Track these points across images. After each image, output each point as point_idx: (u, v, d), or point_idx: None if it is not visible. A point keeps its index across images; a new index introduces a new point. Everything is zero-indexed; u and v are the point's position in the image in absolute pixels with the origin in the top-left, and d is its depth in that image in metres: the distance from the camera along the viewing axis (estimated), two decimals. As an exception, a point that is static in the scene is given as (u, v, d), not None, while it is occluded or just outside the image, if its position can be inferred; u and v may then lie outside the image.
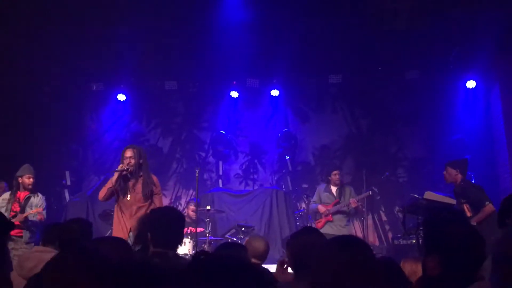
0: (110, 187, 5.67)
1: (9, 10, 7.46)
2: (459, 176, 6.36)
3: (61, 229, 3.61)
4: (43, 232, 3.98)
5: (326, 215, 7.59)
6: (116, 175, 5.68)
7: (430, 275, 2.16)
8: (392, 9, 7.99)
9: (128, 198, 5.66)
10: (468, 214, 6.10)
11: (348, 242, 1.99)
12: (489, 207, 5.94)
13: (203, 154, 10.44)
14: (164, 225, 3.12)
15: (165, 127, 10.56)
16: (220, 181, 10.07)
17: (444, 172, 6.54)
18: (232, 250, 2.82)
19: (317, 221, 7.77)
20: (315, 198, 7.94)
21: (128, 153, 5.76)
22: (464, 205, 6.19)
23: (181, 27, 8.45)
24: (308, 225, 8.68)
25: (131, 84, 9.94)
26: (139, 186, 5.68)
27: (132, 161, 5.71)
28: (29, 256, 3.49)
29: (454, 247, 2.10)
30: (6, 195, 6.98)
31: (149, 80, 10.04)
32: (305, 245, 2.78)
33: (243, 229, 7.56)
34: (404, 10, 8.01)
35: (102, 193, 5.78)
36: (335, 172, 7.85)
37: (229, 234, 7.80)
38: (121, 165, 5.73)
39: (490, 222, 5.77)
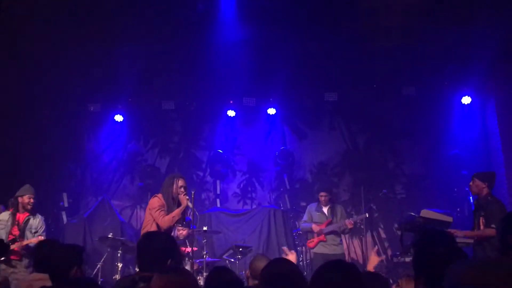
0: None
1: (9, 34, 7.54)
2: (486, 190, 6.26)
3: (52, 258, 3.56)
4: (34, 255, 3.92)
5: (319, 235, 7.56)
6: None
7: None
8: (387, 26, 8.07)
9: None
10: (482, 227, 6.06)
11: (339, 265, 2.10)
12: (491, 231, 5.86)
13: (201, 174, 10.42)
14: (151, 249, 3.12)
15: (163, 146, 10.56)
16: (218, 200, 10.03)
17: (471, 183, 6.41)
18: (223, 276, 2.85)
19: (309, 241, 7.76)
20: (305, 217, 7.90)
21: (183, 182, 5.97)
22: (481, 218, 6.14)
23: (178, 47, 8.53)
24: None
25: (128, 105, 9.98)
26: None
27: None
28: (33, 284, 3.44)
29: (437, 270, 2.12)
30: (4, 215, 6.84)
31: (146, 100, 10.08)
32: (277, 276, 2.71)
33: (240, 249, 7.50)
34: (399, 27, 8.09)
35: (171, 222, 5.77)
36: (321, 193, 7.84)
37: (226, 255, 7.73)
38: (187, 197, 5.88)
39: (493, 244, 5.74)
